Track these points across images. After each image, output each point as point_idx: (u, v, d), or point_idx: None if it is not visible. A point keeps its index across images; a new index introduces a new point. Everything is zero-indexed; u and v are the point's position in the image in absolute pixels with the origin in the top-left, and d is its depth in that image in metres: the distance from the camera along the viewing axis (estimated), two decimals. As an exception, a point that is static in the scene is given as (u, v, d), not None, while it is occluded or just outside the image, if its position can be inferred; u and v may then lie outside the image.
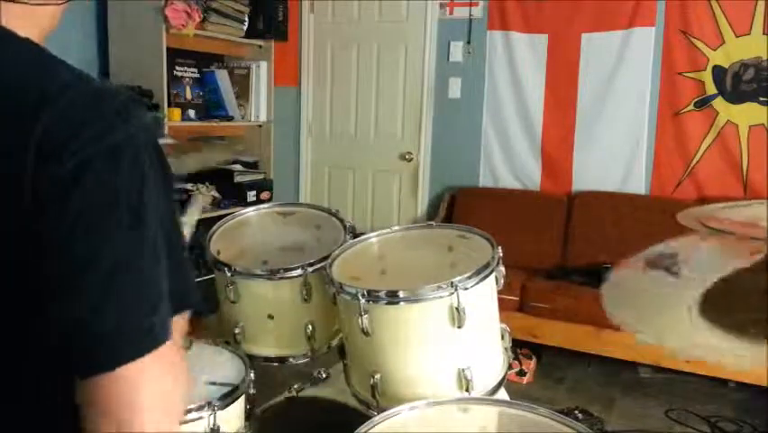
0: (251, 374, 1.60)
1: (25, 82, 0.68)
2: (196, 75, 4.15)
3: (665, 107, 3.82)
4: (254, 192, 4.26)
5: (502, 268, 1.57)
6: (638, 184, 3.92)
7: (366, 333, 1.48)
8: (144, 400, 0.65)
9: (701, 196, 3.75)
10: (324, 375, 1.86)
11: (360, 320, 1.47)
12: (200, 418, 1.39)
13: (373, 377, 1.50)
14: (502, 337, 1.64)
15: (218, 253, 1.84)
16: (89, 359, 0.65)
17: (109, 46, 3.77)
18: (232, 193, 4.18)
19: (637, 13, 3.79)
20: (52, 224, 0.64)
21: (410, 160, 4.47)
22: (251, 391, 1.60)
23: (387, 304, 1.47)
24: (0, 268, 0.68)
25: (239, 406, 1.53)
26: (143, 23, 3.65)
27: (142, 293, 0.67)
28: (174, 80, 3.94)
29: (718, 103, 3.69)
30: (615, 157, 3.95)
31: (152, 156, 0.70)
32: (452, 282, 1.45)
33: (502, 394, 1.60)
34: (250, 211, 2.07)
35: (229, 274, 1.73)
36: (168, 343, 0.68)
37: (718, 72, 3.67)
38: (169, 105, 3.80)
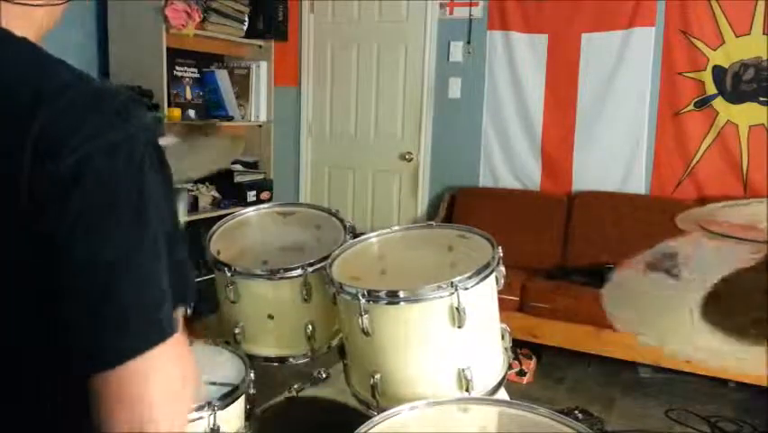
0: (251, 374, 1.60)
1: (24, 82, 0.68)
2: (196, 75, 4.16)
3: (665, 107, 3.82)
4: (254, 192, 4.26)
5: (502, 268, 1.57)
6: (638, 184, 3.92)
7: (366, 333, 1.48)
8: (153, 393, 0.66)
9: (701, 196, 3.75)
10: (324, 375, 1.86)
11: (360, 320, 1.47)
12: (200, 418, 1.39)
13: (373, 377, 1.50)
14: (502, 337, 1.64)
15: (218, 253, 1.84)
16: (95, 356, 0.66)
17: (109, 46, 3.78)
18: (232, 193, 4.18)
19: (637, 13, 3.79)
20: (53, 224, 0.64)
21: (410, 160, 4.47)
22: (251, 391, 1.60)
23: (387, 304, 1.47)
24: (0, 268, 0.68)
25: (239, 406, 1.53)
26: (143, 23, 3.65)
27: (145, 291, 0.67)
28: (174, 80, 3.94)
29: (718, 103, 3.69)
30: (615, 157, 3.95)
31: (153, 156, 0.70)
32: (452, 282, 1.45)
33: (502, 394, 1.60)
34: (250, 211, 2.07)
35: (229, 274, 1.73)
36: (175, 336, 0.68)
37: (718, 72, 3.67)
38: (169, 105, 3.80)
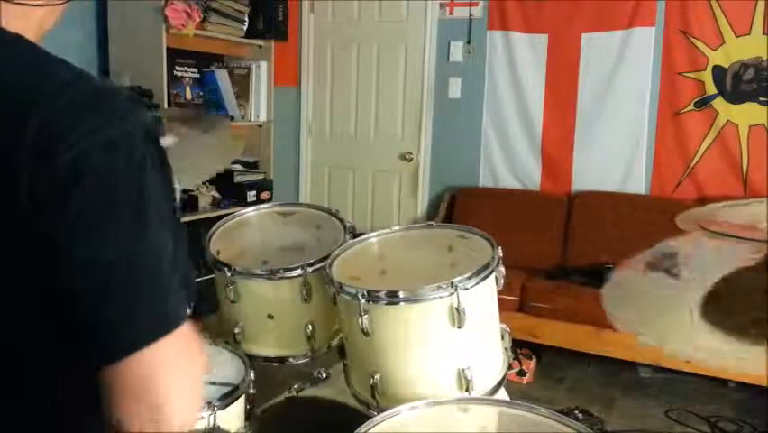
0: (251, 374, 1.60)
1: (25, 81, 0.68)
2: (196, 75, 4.16)
3: (665, 107, 3.82)
4: (254, 192, 4.26)
5: (502, 268, 1.57)
6: (638, 184, 3.92)
7: (366, 333, 1.48)
8: (162, 384, 0.67)
9: (701, 196, 3.75)
10: (324, 375, 1.86)
11: (360, 320, 1.47)
12: (200, 418, 1.39)
13: (373, 377, 1.50)
14: (502, 337, 1.64)
15: (218, 252, 1.84)
16: (102, 350, 0.67)
17: (109, 46, 3.78)
18: (232, 193, 4.18)
19: (637, 13, 3.79)
20: (53, 224, 0.64)
21: (410, 160, 4.47)
22: (251, 391, 1.60)
23: (387, 304, 1.47)
24: (0, 268, 0.68)
25: (239, 406, 1.53)
26: (143, 23, 3.65)
27: (146, 289, 0.68)
28: (174, 80, 3.94)
29: (718, 103, 3.70)
30: (615, 157, 3.95)
31: (153, 155, 0.69)
32: (452, 282, 1.45)
33: (502, 394, 1.60)
34: (250, 211, 2.07)
35: (229, 274, 1.73)
36: (182, 328, 0.69)
37: (718, 72, 3.67)
38: (169, 105, 3.80)
